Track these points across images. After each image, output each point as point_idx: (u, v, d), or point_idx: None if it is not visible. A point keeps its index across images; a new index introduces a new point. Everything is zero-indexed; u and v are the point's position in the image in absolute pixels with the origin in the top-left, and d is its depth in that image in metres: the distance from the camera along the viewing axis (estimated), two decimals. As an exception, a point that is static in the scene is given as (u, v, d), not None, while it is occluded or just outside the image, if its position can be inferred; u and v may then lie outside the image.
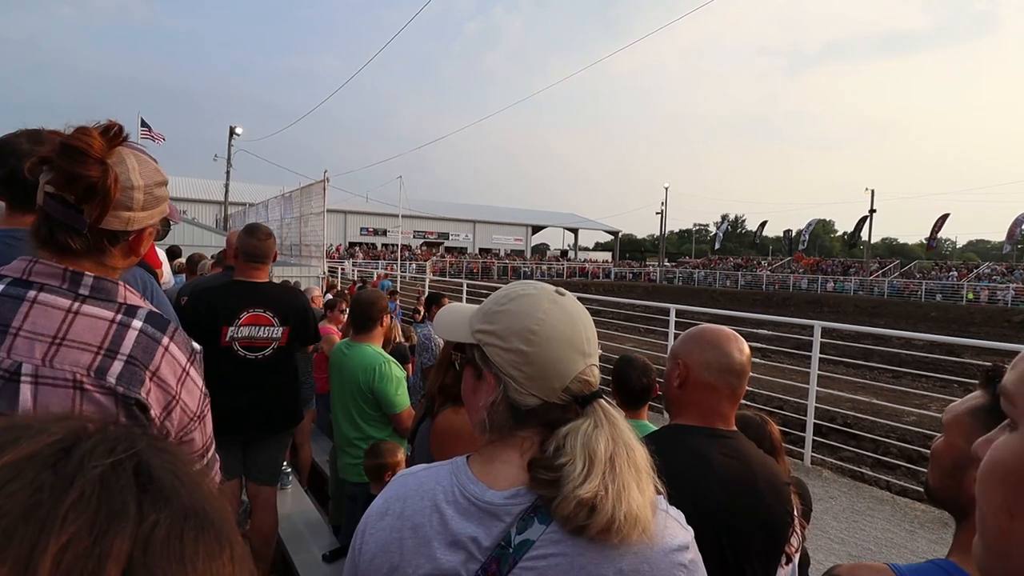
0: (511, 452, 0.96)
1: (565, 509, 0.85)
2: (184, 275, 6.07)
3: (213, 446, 1.36)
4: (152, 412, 1.16)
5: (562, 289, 1.03)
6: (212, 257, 5.67)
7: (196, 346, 1.30)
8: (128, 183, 1.17)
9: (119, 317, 1.17)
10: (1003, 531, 0.50)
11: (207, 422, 1.31)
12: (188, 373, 1.24)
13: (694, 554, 0.94)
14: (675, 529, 0.94)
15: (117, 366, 1.13)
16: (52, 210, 1.13)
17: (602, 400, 0.96)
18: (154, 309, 1.25)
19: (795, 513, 1.99)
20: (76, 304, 1.14)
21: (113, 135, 1.15)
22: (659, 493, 0.95)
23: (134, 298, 1.24)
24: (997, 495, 0.51)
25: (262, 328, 3.17)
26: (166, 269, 4.58)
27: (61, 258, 1.17)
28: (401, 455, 2.96)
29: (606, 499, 0.85)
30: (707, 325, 1.61)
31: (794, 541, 2.00)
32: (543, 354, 0.94)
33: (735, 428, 1.55)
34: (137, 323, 1.18)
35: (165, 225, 1.46)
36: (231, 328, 3.09)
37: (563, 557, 0.86)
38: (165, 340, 1.21)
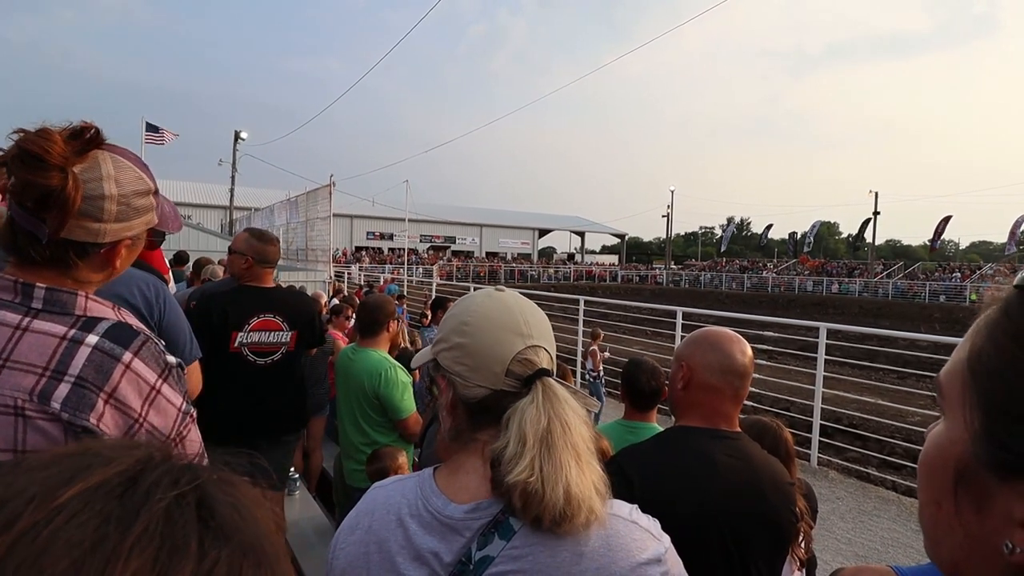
0: (474, 459, 0.95)
1: (515, 503, 0.85)
2: (186, 281, 6.05)
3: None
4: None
5: (502, 287, 1.06)
6: (220, 262, 5.67)
7: (171, 359, 1.15)
8: (97, 192, 1.07)
9: (72, 332, 1.04)
10: (933, 520, 0.52)
11: (189, 444, 1.17)
12: (159, 391, 1.10)
13: (669, 566, 0.90)
14: (644, 540, 0.90)
15: (63, 389, 1.00)
16: (16, 215, 1.04)
17: (547, 377, 0.94)
18: (122, 320, 1.13)
19: (803, 515, 2.01)
20: (26, 320, 1.03)
21: (88, 139, 1.06)
22: (606, 483, 0.91)
23: (100, 309, 1.12)
24: (926, 485, 0.53)
25: (271, 333, 3.19)
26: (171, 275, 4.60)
27: (22, 267, 1.07)
28: (403, 459, 2.95)
29: (539, 481, 0.84)
30: (710, 328, 1.63)
31: (803, 544, 2.02)
32: (478, 341, 0.95)
33: (739, 429, 1.58)
34: (92, 338, 1.05)
35: (158, 235, 1.33)
36: (241, 334, 3.11)
37: (522, 574, 0.85)
38: (127, 356, 1.06)
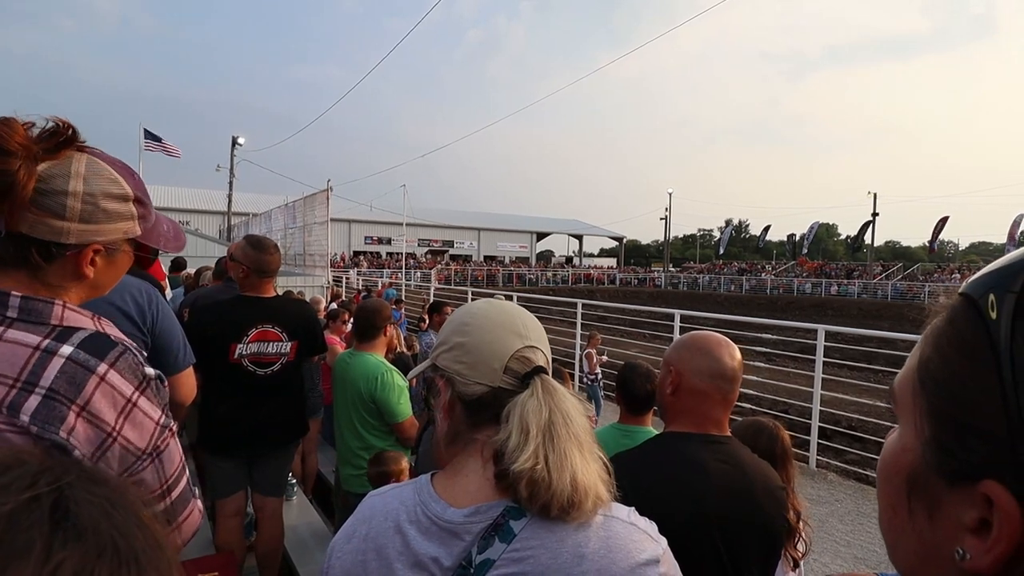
0: (473, 460, 0.96)
1: (522, 492, 0.86)
2: (183, 287, 6.05)
3: (182, 484, 1.17)
4: (77, 453, 0.99)
5: (501, 296, 1.08)
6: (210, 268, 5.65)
7: (150, 371, 1.12)
8: (59, 187, 1.03)
9: (45, 343, 1.01)
10: (890, 526, 0.53)
11: (167, 458, 1.13)
12: (136, 404, 1.07)
13: (667, 568, 0.91)
14: (643, 541, 0.91)
15: (33, 401, 0.97)
16: None
17: (543, 374, 0.97)
18: (101, 330, 1.10)
19: (801, 517, 2.01)
20: (0, 329, 1.00)
21: (63, 138, 1.04)
22: (609, 472, 0.94)
23: (77, 319, 1.09)
24: (882, 492, 0.54)
25: (271, 344, 3.16)
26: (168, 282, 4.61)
27: None
28: (405, 463, 2.94)
29: (545, 469, 0.85)
30: (698, 332, 1.62)
31: (800, 547, 2.01)
32: (478, 340, 0.98)
33: (729, 433, 1.57)
34: (66, 349, 1.01)
35: (152, 252, 1.27)
36: (240, 345, 3.08)
37: None
38: (102, 368, 1.03)
